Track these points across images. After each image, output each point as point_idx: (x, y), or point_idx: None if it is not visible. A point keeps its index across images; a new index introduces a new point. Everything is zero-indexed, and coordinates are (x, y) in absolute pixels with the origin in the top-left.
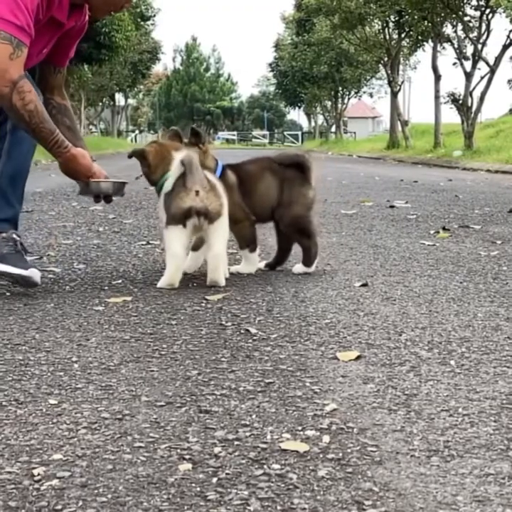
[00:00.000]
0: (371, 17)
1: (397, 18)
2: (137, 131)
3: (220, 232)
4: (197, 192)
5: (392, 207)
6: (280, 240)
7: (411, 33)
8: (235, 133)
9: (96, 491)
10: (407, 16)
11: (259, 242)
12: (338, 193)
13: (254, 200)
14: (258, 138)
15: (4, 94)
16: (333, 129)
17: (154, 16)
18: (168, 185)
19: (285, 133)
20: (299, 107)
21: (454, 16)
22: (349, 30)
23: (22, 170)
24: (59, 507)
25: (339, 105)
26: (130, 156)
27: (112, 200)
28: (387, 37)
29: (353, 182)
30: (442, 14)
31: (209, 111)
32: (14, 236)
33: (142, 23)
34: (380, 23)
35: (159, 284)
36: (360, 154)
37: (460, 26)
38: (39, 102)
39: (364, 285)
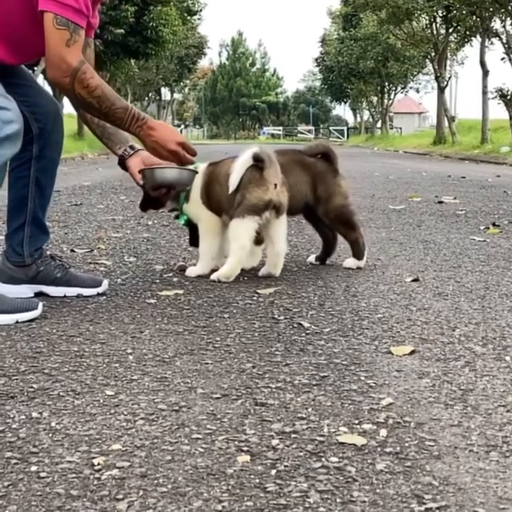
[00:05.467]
0: (419, 12)
1: (444, 13)
2: (183, 126)
3: (283, 228)
4: (275, 185)
5: (440, 202)
6: (321, 231)
7: (459, 27)
8: (281, 128)
9: (156, 482)
10: (455, 11)
11: (308, 236)
12: (385, 188)
13: None
14: (303, 133)
15: (65, 84)
16: (379, 124)
17: (201, 10)
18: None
19: (330, 128)
20: (345, 102)
21: (502, 10)
22: (396, 25)
23: (50, 195)
24: (120, 496)
25: (385, 100)
26: None
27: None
28: (435, 32)
29: (400, 177)
30: (491, 9)
31: (254, 106)
32: (48, 253)
33: (189, 17)
34: (427, 17)
35: (215, 275)
36: (406, 150)
37: (509, 21)
38: (104, 84)
39: (415, 280)
